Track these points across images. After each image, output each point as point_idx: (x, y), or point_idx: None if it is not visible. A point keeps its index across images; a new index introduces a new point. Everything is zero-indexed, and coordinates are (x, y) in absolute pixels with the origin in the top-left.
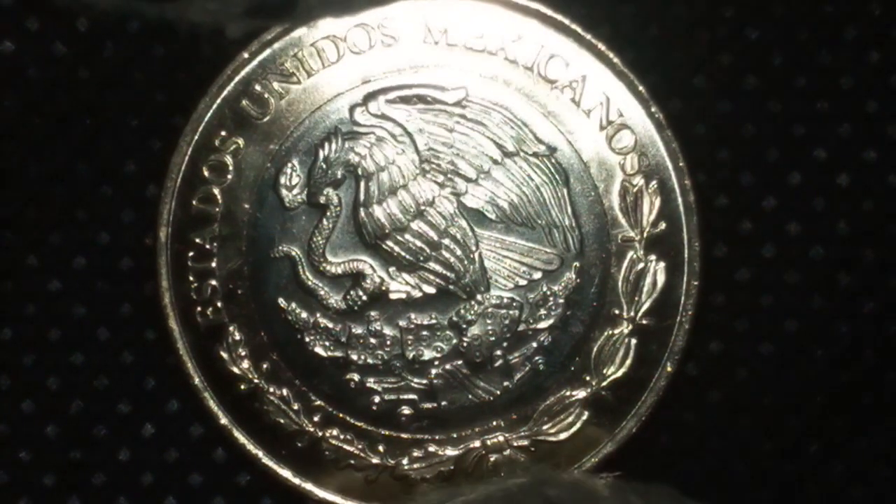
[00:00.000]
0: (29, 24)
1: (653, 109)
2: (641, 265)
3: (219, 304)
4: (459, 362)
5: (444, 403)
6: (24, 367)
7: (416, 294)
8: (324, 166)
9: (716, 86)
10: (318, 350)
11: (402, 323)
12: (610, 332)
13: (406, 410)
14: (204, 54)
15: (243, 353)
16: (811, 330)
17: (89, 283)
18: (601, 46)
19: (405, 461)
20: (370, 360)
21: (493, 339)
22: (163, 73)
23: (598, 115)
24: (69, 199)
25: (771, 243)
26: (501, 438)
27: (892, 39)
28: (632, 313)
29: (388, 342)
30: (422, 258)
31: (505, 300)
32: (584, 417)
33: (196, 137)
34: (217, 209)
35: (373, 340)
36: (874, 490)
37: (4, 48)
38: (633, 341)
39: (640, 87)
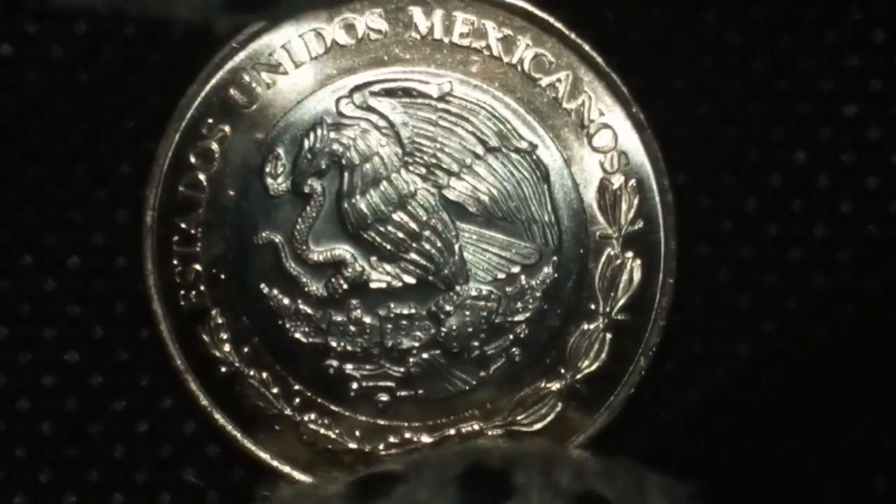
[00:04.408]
0: (27, 27)
1: (634, 110)
2: (618, 262)
3: (202, 288)
4: (437, 352)
5: (420, 391)
6: (19, 365)
7: (397, 284)
8: (309, 156)
9: (697, 89)
10: (299, 336)
11: (381, 312)
12: (585, 326)
13: (383, 397)
14: (198, 58)
15: (225, 337)
16: (790, 330)
17: (84, 283)
18: (585, 46)
19: (381, 447)
20: (349, 348)
21: (470, 330)
22: (157, 77)
23: (579, 114)
24: (65, 199)
25: (750, 244)
26: (476, 427)
27: (871, 43)
28: (607, 309)
29: (368, 330)
30: (403, 249)
31: (483, 292)
32: (559, 409)
33: (183, 124)
34: (203, 195)
35: (352, 328)
36: (850, 483)
37: (3, 51)
38: (608, 336)
39: (623, 88)
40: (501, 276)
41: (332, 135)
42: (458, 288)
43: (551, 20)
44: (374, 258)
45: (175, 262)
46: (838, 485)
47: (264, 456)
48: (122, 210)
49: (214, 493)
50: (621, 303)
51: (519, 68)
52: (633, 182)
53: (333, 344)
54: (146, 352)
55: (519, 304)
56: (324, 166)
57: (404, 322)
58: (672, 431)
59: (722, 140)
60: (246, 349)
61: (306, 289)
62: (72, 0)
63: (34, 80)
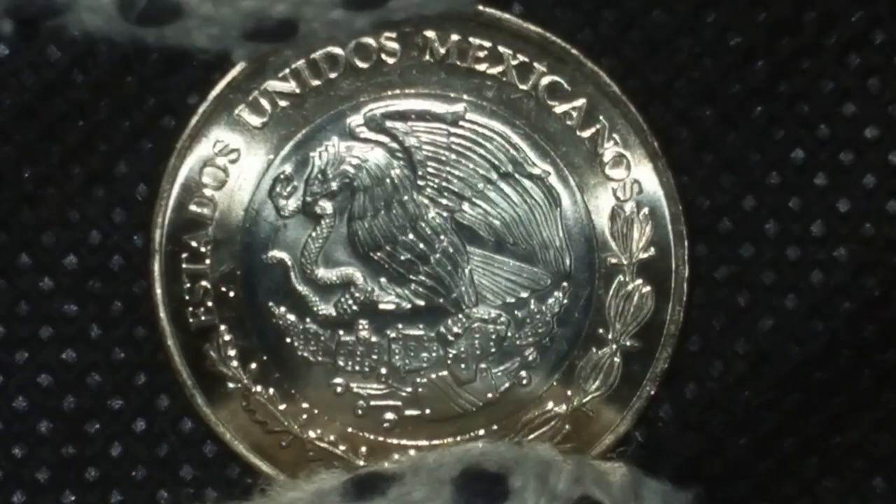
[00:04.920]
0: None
1: (649, 138)
2: (629, 288)
3: (210, 306)
4: (445, 373)
5: (427, 411)
6: (16, 364)
7: (406, 305)
8: (320, 177)
9: (698, 91)
10: (306, 355)
11: (390, 333)
12: (594, 351)
13: (390, 416)
14: (197, 59)
15: (232, 354)
16: (787, 328)
17: (81, 282)
18: (602, 75)
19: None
20: (357, 367)
21: (479, 352)
22: (154, 77)
23: (594, 142)
24: (61, 199)
25: (748, 243)
26: (480, 443)
27: (870, 44)
28: (617, 335)
29: (376, 351)
30: (412, 271)
31: (492, 316)
32: (565, 431)
33: (194, 143)
34: (212, 213)
35: (360, 348)
36: (847, 482)
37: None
38: (617, 361)
39: (638, 116)
40: (511, 300)
41: (344, 156)
42: (467, 311)
43: (568, 48)
44: (383, 279)
45: (184, 279)
46: (836, 484)
47: (270, 472)
48: (119, 209)
49: (212, 491)
50: (631, 329)
51: (534, 95)
52: (645, 210)
53: (341, 363)
54: (143, 350)
55: (528, 328)
56: (335, 187)
57: (413, 343)
58: (668, 429)
59: (721, 139)
60: (253, 366)
61: (315, 308)
62: (90, 29)
63: (30, 81)
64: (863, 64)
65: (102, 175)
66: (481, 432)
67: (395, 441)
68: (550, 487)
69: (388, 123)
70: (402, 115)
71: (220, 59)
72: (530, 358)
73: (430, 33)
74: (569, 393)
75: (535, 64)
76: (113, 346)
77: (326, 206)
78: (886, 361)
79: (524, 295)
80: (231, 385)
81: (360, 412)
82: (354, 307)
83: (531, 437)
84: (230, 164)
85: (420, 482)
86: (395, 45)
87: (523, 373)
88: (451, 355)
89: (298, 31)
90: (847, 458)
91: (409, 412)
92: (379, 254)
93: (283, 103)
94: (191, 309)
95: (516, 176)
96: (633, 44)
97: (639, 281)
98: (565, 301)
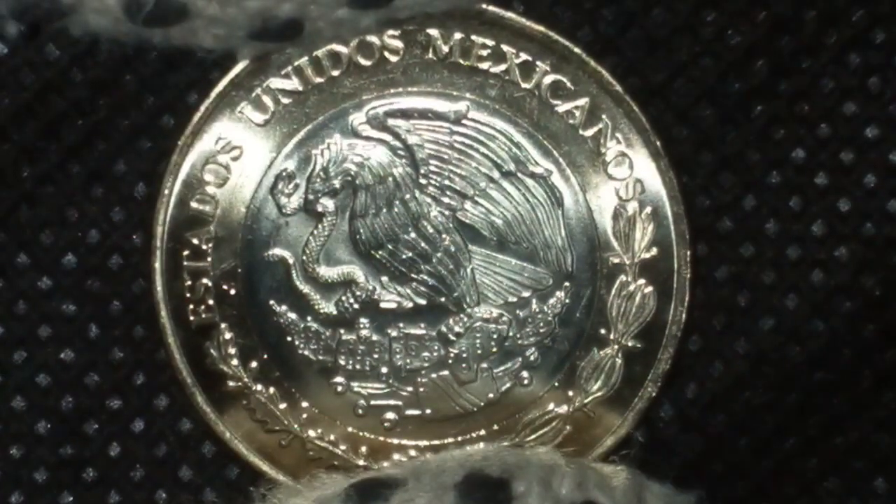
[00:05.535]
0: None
1: (651, 138)
2: (631, 289)
3: (211, 303)
4: (446, 373)
5: (428, 411)
6: (15, 363)
7: (407, 304)
8: (322, 175)
9: (697, 90)
10: (307, 353)
11: (391, 332)
12: (596, 351)
13: (390, 416)
14: (197, 58)
15: (233, 352)
16: (788, 328)
17: (80, 282)
18: (604, 73)
19: (387, 465)
20: (358, 366)
21: (480, 352)
22: (153, 76)
23: (596, 141)
24: (60, 198)
25: (749, 242)
26: (482, 447)
27: (871, 43)
28: (618, 335)
29: (377, 350)
30: (414, 270)
31: (494, 315)
32: (566, 432)
33: (196, 139)
34: (214, 211)
35: (361, 347)
36: (847, 482)
37: None
38: (619, 361)
39: (640, 116)
40: (513, 299)
41: (347, 154)
42: (468, 310)
43: (571, 46)
44: (384, 278)
45: (185, 276)
46: (836, 484)
47: (270, 471)
48: (118, 208)
49: (211, 491)
50: (632, 329)
51: (536, 93)
52: (647, 210)
53: (342, 362)
54: (142, 350)
55: (529, 328)
56: (337, 185)
57: (414, 343)
58: (669, 429)
59: (721, 139)
60: (254, 365)
61: (316, 307)
62: (94, 29)
63: (30, 80)
64: (863, 63)
65: (101, 174)
66: (482, 432)
67: (395, 441)
68: (554, 492)
69: (391, 121)
70: (405, 114)
71: (224, 58)
72: (532, 358)
73: (433, 31)
74: (570, 393)
75: (538, 63)
76: (112, 346)
77: (328, 203)
78: (887, 361)
79: (526, 294)
80: (231, 384)
81: (360, 412)
82: (355, 306)
83: (532, 437)
84: (232, 161)
85: (423, 488)
86: (398, 43)
87: (524, 373)
88: (452, 355)
89: (304, 30)
90: (848, 459)
91: (409, 412)
92: (380, 252)
93: (285, 101)
94: (191, 306)
95: (518, 175)
96: (632, 42)
97: (641, 281)
98: (567, 301)
